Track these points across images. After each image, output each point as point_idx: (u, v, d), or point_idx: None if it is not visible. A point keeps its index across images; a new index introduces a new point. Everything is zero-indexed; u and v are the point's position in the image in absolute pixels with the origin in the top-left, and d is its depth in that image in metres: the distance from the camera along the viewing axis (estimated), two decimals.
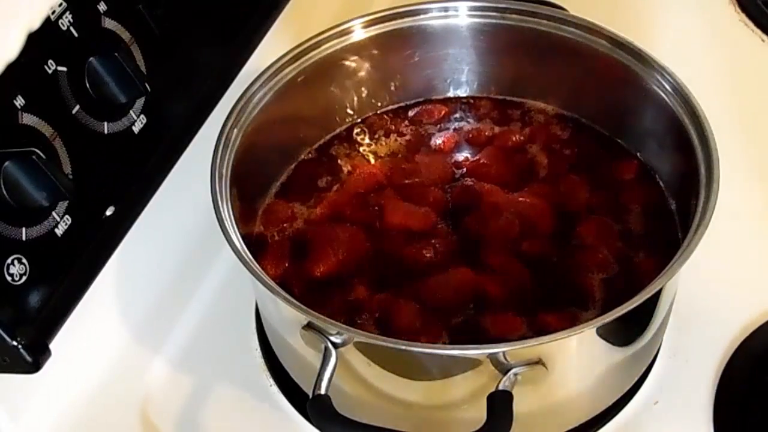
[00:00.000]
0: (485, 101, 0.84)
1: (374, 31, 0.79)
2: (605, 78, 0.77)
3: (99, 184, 0.66)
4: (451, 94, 0.85)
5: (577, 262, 0.71)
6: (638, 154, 0.78)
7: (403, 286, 0.70)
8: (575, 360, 0.64)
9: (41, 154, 0.59)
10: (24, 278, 0.60)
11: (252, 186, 0.75)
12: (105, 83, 0.65)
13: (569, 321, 0.67)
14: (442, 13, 0.80)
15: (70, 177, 0.63)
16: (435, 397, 0.66)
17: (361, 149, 0.81)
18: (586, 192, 0.75)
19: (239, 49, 0.79)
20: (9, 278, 0.59)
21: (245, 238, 0.67)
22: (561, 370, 0.63)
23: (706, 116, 0.69)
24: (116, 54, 0.65)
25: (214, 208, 0.65)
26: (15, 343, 0.59)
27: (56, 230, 0.62)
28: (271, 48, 0.80)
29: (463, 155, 0.80)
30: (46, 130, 0.61)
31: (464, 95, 0.85)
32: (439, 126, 0.83)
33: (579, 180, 0.76)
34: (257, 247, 0.73)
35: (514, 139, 0.80)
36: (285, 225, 0.75)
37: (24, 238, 0.60)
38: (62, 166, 0.63)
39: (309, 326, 0.61)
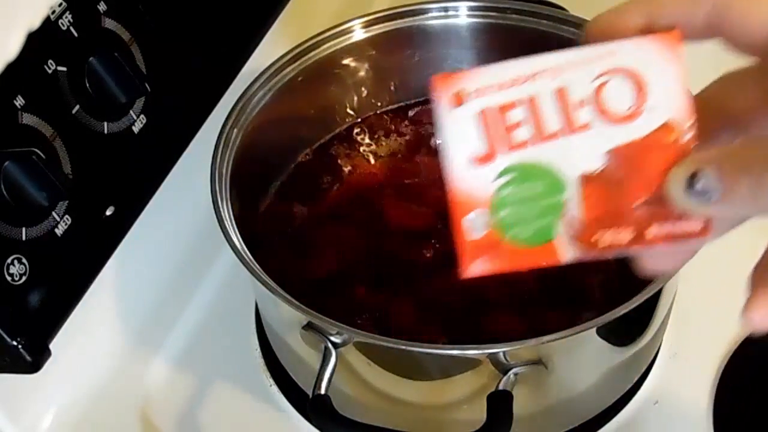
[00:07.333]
0: None
1: (374, 31, 0.79)
2: None
3: (99, 184, 0.66)
4: None
5: (577, 262, 0.70)
6: None
7: (403, 286, 0.70)
8: (575, 360, 0.64)
9: (41, 154, 0.59)
10: (24, 278, 0.60)
11: (252, 186, 0.75)
12: (105, 83, 0.65)
13: (569, 321, 0.67)
14: (442, 13, 0.80)
15: (70, 177, 0.63)
16: (435, 397, 0.66)
17: (361, 149, 0.81)
18: None
19: (239, 49, 0.79)
20: (9, 278, 0.59)
21: (245, 238, 0.66)
22: (561, 370, 0.63)
23: None
24: (116, 54, 0.64)
25: (214, 208, 0.65)
26: (15, 343, 0.59)
27: (56, 230, 0.62)
28: (271, 48, 0.80)
29: None
30: (46, 130, 0.61)
31: None
32: None
33: None
34: (257, 247, 0.73)
35: None
36: (285, 225, 0.75)
37: (24, 238, 0.60)
38: (62, 166, 0.62)
39: (309, 326, 0.61)
